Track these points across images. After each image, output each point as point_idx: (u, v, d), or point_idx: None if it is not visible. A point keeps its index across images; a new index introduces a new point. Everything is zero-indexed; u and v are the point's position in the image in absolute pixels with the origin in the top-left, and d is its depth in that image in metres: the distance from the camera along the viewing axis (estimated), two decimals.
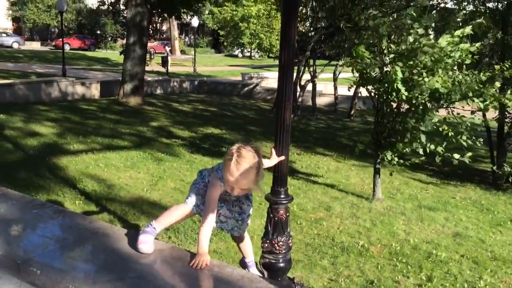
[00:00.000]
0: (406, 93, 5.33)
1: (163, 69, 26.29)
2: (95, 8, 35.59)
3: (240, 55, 50.69)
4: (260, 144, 8.49)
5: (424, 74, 5.34)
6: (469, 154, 5.51)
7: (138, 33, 14.12)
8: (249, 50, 49.71)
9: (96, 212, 4.81)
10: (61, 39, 24.06)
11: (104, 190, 5.58)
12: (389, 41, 5.65)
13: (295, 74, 9.48)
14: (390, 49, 5.62)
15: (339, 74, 16.33)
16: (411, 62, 5.35)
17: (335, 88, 16.90)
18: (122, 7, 22.10)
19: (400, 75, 5.24)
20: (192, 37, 50.74)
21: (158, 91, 18.54)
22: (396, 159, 5.88)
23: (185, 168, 7.00)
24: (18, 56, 29.99)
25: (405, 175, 7.98)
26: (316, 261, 4.14)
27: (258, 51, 48.47)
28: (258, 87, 21.11)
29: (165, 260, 2.31)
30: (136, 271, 2.15)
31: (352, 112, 15.58)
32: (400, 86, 5.28)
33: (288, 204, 2.65)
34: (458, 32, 5.34)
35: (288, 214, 2.65)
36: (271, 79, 23.37)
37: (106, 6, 21.03)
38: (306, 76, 15.49)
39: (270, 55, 46.95)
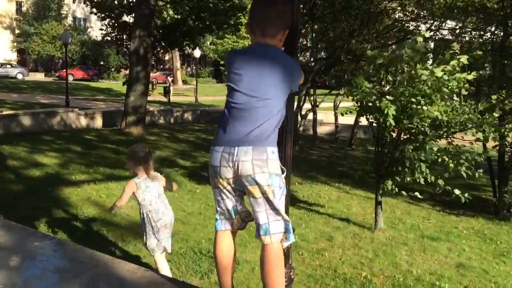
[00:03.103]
0: (393, 123, 5.36)
1: (165, 99, 26.58)
2: (99, 39, 36.21)
3: None
4: None
5: (422, 102, 5.38)
6: (467, 195, 5.51)
7: (141, 64, 14.36)
8: None
9: (97, 242, 4.79)
10: (64, 70, 24.44)
11: (105, 221, 5.58)
12: (386, 72, 5.72)
13: (296, 104, 9.57)
14: (387, 79, 5.70)
15: (339, 103, 16.50)
16: (409, 91, 5.39)
17: (336, 117, 17.06)
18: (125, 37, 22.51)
19: (392, 110, 5.28)
20: (194, 67, 51.46)
21: (160, 121, 18.69)
22: (396, 189, 5.89)
23: (186, 198, 6.99)
24: (22, 87, 30.36)
25: (407, 205, 7.96)
26: None
27: None
28: None
29: None
30: None
31: (353, 141, 15.67)
32: (390, 112, 5.29)
33: None
34: (454, 62, 5.40)
35: (289, 245, 2.65)
36: None
37: (110, 38, 21.44)
38: (307, 106, 15.64)
39: None
